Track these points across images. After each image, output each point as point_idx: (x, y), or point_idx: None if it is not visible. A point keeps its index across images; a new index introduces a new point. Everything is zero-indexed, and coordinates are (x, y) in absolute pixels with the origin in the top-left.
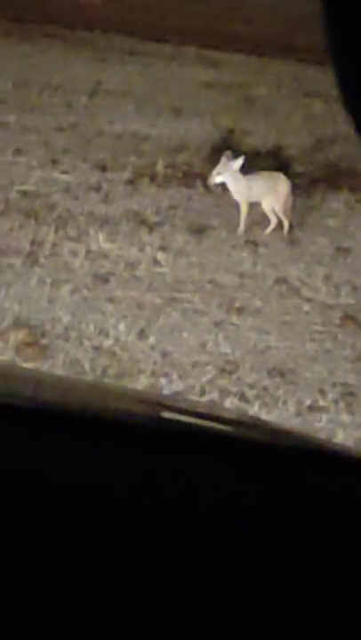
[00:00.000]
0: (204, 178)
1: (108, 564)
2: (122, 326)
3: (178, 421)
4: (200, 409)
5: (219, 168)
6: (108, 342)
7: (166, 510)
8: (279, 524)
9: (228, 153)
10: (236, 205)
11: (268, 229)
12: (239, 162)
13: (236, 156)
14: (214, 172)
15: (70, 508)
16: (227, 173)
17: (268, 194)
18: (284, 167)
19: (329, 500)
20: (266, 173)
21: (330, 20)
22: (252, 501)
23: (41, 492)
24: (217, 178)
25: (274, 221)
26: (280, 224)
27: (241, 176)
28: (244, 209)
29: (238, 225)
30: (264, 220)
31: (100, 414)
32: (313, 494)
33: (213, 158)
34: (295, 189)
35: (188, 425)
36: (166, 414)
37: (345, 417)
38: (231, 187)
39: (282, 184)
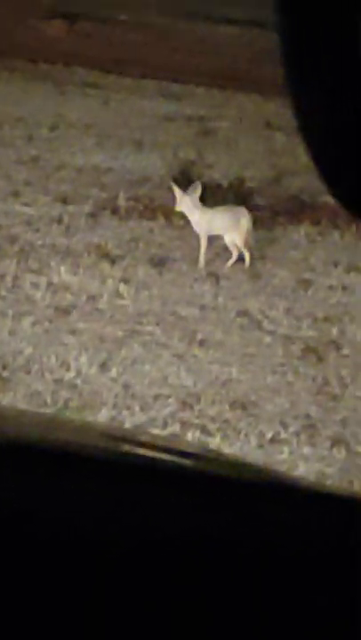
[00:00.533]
0: (165, 210)
1: (71, 597)
2: (83, 359)
3: (138, 455)
4: (160, 442)
5: (178, 199)
6: (69, 375)
7: (126, 542)
8: (239, 554)
9: (172, 184)
10: (197, 238)
11: (230, 262)
12: (198, 191)
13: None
14: (177, 203)
15: (30, 539)
16: (185, 204)
17: (230, 228)
18: (245, 200)
19: (289, 532)
20: (227, 207)
21: (287, 54)
22: (212, 533)
23: (1, 525)
24: (180, 208)
25: (235, 254)
26: (241, 257)
27: (201, 208)
28: (203, 242)
29: (199, 257)
30: (225, 252)
31: (59, 447)
32: (273, 527)
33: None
34: (256, 222)
35: (149, 458)
36: (127, 447)
37: (306, 449)
38: (191, 218)
39: (243, 218)
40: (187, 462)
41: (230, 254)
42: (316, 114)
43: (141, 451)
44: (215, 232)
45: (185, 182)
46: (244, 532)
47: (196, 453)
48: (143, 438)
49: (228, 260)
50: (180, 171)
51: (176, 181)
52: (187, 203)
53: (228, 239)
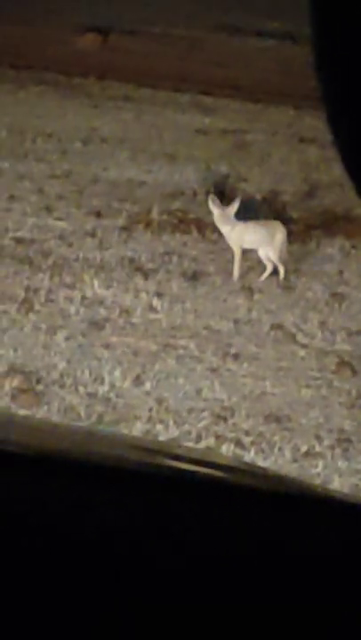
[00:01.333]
0: (198, 224)
1: (109, 610)
2: (117, 373)
3: (174, 468)
4: (195, 455)
5: (215, 216)
6: (103, 389)
7: (165, 556)
8: (278, 569)
9: (213, 196)
10: (231, 252)
11: (264, 276)
12: (235, 206)
13: (227, 201)
14: (215, 219)
15: (70, 552)
16: (221, 218)
17: (265, 242)
18: (279, 213)
19: (328, 545)
20: (262, 222)
21: (323, 67)
22: (252, 548)
23: (40, 536)
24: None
25: (270, 268)
26: (275, 270)
27: (236, 223)
28: (237, 256)
29: (233, 271)
30: (259, 265)
31: (95, 460)
32: (312, 539)
33: (208, 205)
34: (290, 236)
35: (185, 471)
36: (162, 461)
37: (341, 463)
38: (225, 233)
39: (278, 232)
40: (223, 475)
41: (264, 267)
42: (351, 125)
43: (177, 463)
44: (249, 246)
45: (218, 197)
46: (284, 544)
47: (233, 466)
48: (178, 451)
49: (261, 273)
50: (213, 184)
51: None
52: (222, 217)
53: (262, 253)
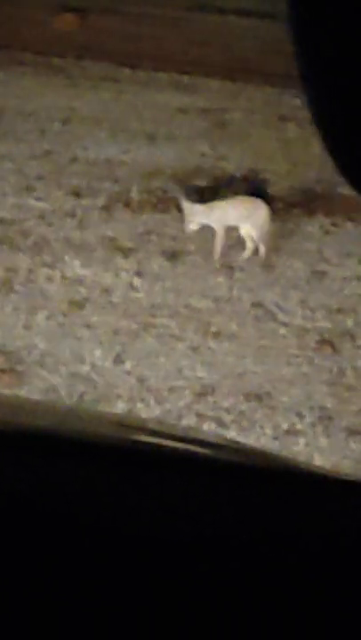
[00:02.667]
0: (178, 203)
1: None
2: (98, 352)
3: (159, 444)
4: (180, 432)
5: (187, 216)
6: (84, 368)
7: (150, 531)
8: (269, 547)
9: (184, 201)
10: (212, 231)
11: (245, 255)
12: (199, 208)
13: (191, 190)
14: (186, 221)
15: (44, 526)
16: (196, 219)
17: (247, 219)
18: (259, 192)
19: (316, 521)
20: (245, 198)
21: (299, 45)
22: (241, 525)
23: (22, 513)
24: (191, 226)
25: (250, 247)
26: (256, 249)
27: (214, 205)
28: (220, 234)
29: (214, 249)
30: (239, 244)
31: (78, 437)
32: (301, 516)
33: (188, 183)
34: (270, 214)
35: (170, 448)
36: (146, 438)
37: (322, 440)
38: (208, 222)
39: (261, 210)
40: (207, 451)
41: (244, 245)
42: (330, 103)
43: (162, 440)
44: (231, 223)
45: (198, 174)
46: (272, 520)
47: (215, 443)
48: (162, 428)
49: (241, 251)
50: (193, 163)
51: (189, 174)
52: (194, 212)
53: (244, 231)
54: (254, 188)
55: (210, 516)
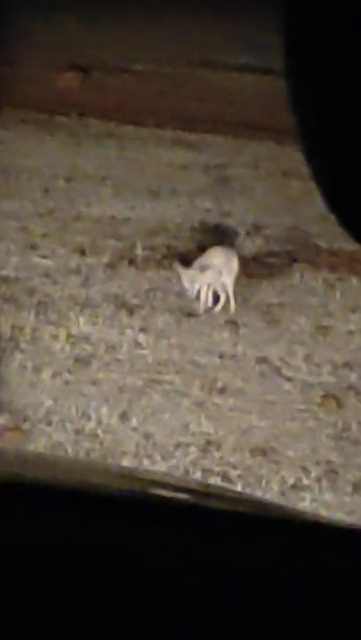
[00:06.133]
0: (183, 259)
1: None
2: (104, 409)
3: (168, 497)
4: (190, 485)
5: (185, 283)
6: (90, 425)
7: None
8: (289, 593)
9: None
10: (221, 286)
11: (218, 306)
12: (195, 273)
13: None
14: (184, 289)
15: (64, 573)
16: (195, 284)
17: (223, 271)
18: (261, 247)
19: (319, 567)
20: (218, 250)
21: (297, 105)
22: (260, 575)
23: (27, 563)
24: (190, 293)
25: (223, 298)
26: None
27: (205, 266)
28: (230, 289)
29: (230, 306)
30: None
31: (87, 489)
32: (305, 563)
33: (192, 240)
34: (273, 269)
35: (180, 500)
36: (155, 490)
37: (328, 496)
38: (205, 282)
39: (234, 260)
40: (212, 503)
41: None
42: (329, 162)
43: (171, 493)
44: (217, 278)
45: (202, 231)
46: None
47: (219, 494)
48: (171, 481)
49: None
50: (197, 219)
51: (193, 231)
52: (191, 277)
53: (219, 282)
54: (257, 243)
55: (217, 571)
